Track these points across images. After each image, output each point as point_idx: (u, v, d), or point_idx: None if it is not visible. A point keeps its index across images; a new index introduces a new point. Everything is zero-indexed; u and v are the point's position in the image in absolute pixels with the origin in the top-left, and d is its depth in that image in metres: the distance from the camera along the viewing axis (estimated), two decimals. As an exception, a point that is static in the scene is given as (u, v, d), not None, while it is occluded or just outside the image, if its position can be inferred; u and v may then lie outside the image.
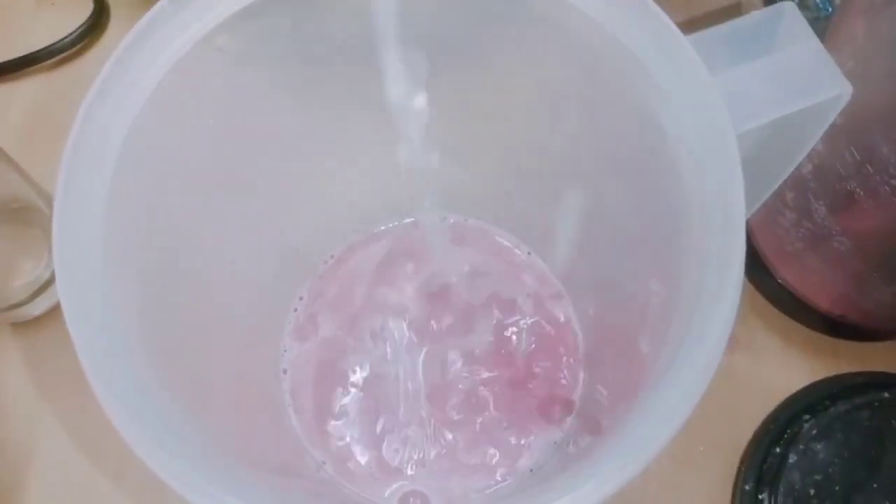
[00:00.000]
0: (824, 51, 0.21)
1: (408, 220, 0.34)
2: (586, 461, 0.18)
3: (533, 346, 0.32)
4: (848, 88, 0.21)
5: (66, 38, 0.40)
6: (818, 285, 0.32)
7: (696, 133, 0.20)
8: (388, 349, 0.32)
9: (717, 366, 0.18)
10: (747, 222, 0.20)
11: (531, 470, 0.30)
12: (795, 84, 0.21)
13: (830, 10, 0.37)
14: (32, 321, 0.34)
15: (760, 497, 0.30)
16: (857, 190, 0.26)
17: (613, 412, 0.22)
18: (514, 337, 0.32)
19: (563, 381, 0.31)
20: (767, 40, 0.21)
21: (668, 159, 0.21)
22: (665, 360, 0.19)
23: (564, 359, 0.32)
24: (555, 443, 0.30)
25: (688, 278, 0.21)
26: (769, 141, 0.22)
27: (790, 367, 0.33)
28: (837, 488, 0.30)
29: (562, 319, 0.32)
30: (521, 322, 0.32)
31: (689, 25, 0.21)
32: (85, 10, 0.41)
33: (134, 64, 0.22)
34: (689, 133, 0.21)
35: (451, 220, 0.34)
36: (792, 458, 0.30)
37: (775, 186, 0.25)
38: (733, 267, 0.19)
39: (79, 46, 0.40)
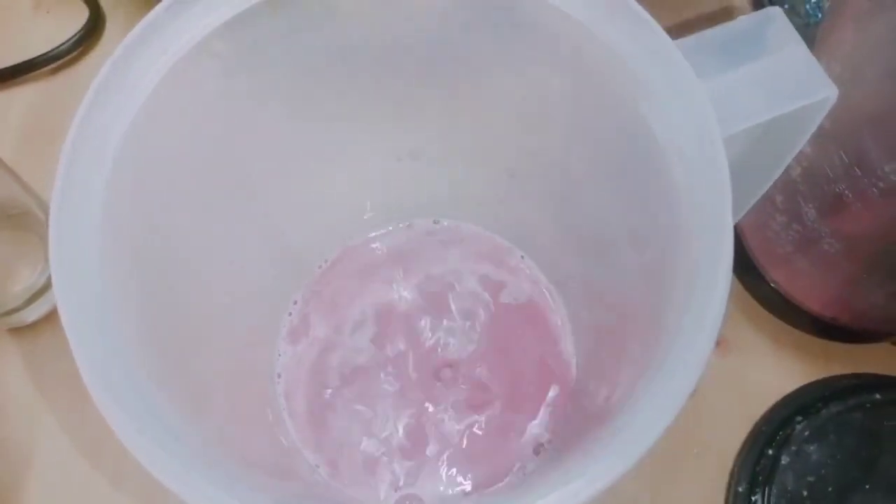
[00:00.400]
0: (811, 55, 0.21)
1: (402, 224, 0.35)
2: (576, 460, 0.18)
3: (525, 348, 0.32)
4: (834, 91, 0.21)
5: (62, 45, 0.40)
6: (809, 288, 0.32)
7: (684, 137, 0.21)
8: (381, 352, 0.32)
9: (705, 366, 0.19)
10: (738, 225, 0.20)
11: (524, 470, 0.30)
12: (783, 87, 0.21)
13: (820, 16, 0.38)
14: (31, 325, 0.35)
15: (753, 499, 0.30)
16: (846, 193, 0.27)
17: (604, 412, 0.23)
18: (506, 339, 0.32)
19: (555, 383, 0.31)
20: (756, 45, 0.21)
21: (659, 163, 0.21)
22: (655, 360, 0.20)
23: (556, 360, 0.32)
24: (546, 443, 0.30)
25: (678, 280, 0.21)
26: (758, 144, 0.22)
27: (782, 369, 0.33)
28: (830, 489, 0.30)
29: (554, 322, 0.33)
30: (514, 325, 0.33)
31: (678, 30, 0.22)
32: (80, 17, 0.41)
33: (131, 69, 0.22)
34: (679, 137, 0.21)
35: (445, 224, 0.35)
36: (785, 460, 0.30)
37: (764, 189, 0.25)
38: (721, 270, 0.19)
39: (75, 53, 0.41)
